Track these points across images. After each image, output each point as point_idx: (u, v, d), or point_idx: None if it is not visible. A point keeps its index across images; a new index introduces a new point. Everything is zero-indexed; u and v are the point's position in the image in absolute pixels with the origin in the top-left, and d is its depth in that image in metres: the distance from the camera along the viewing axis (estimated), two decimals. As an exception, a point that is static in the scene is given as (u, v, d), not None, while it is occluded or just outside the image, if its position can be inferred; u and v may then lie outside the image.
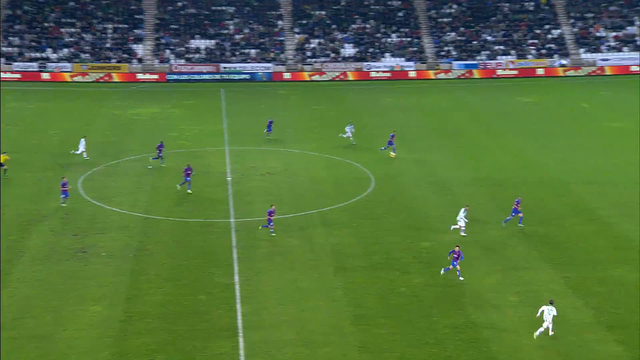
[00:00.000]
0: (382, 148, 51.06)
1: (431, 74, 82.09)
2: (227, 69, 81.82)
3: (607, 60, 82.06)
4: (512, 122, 60.85)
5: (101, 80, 78.89)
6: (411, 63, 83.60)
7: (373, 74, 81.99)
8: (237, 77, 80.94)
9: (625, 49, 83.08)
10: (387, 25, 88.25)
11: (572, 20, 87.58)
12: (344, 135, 54.37)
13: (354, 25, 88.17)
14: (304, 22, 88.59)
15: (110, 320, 28.73)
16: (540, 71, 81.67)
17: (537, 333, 27.24)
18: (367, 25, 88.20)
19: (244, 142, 55.19)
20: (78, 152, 49.32)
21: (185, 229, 38.33)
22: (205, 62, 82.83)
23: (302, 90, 76.34)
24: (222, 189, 44.03)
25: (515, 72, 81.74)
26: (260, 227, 37.33)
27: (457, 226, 37.14)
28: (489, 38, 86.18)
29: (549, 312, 27.16)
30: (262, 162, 49.99)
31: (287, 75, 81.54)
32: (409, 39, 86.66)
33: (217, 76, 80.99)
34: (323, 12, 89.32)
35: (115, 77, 79.43)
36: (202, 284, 31.99)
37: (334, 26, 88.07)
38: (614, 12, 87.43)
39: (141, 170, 47.88)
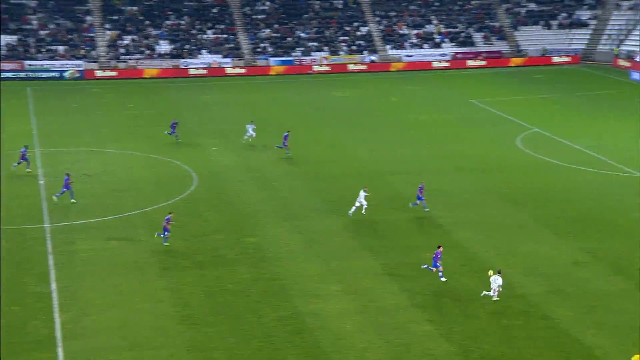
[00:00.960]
0: (278, 146, 50.03)
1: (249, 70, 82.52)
2: (33, 67, 77.09)
3: (411, 56, 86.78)
4: (328, 116, 62.60)
5: None
6: (228, 60, 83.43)
7: (191, 71, 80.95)
8: (44, 75, 76.47)
9: (425, 45, 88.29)
10: (202, 22, 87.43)
11: (377, 18, 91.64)
12: (246, 135, 52.66)
13: (167, 22, 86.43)
14: (115, 17, 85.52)
15: None
16: (351, 67, 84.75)
17: (483, 293, 29.63)
18: (182, 22, 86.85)
19: (56, 144, 52.32)
20: None
21: (-6, 237, 35.67)
22: (8, 59, 77.44)
23: (117, 88, 73.68)
24: (34, 194, 41.44)
25: (328, 67, 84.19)
26: (155, 235, 35.34)
27: (363, 206, 38.17)
28: (302, 35, 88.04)
29: (494, 281, 29.17)
30: (78, 163, 47.68)
31: (99, 73, 78.30)
32: (224, 36, 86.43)
33: (22, 74, 76.07)
34: (135, 8, 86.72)
35: None
36: (15, 294, 29.98)
37: (147, 22, 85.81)
38: (414, 11, 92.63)
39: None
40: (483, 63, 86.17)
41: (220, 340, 27.16)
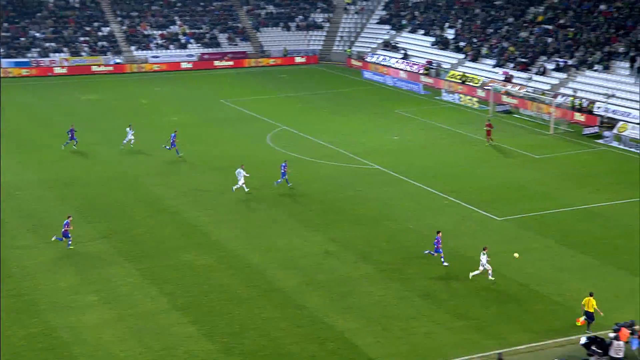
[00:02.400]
0: (167, 147, 48.97)
1: (-22, 72, 75.65)
2: None
3: (157, 57, 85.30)
4: (77, 121, 59.15)
5: None
6: (-48, 61, 75.78)
7: None
8: None
9: (171, 46, 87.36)
10: None
11: (119, 19, 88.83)
12: (125, 141, 50.31)
13: None
14: None
15: None
16: (96, 68, 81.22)
17: (472, 274, 31.48)
18: None
19: None
20: None
21: None
22: None
23: None
24: None
25: (70, 69, 79.89)
26: (53, 239, 33.72)
27: (238, 185, 41.35)
28: (37, 35, 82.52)
29: (482, 258, 31.43)
30: None
31: None
32: (-55, 34, 78.27)
33: None
34: None
35: None
36: None
37: None
38: (157, 11, 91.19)
39: None
40: (230, 63, 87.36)
41: (-39, 369, 24.66)
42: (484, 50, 76.25)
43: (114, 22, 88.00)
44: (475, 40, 78.87)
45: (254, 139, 55.19)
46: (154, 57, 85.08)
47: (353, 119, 62.04)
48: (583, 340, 25.38)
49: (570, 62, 67.41)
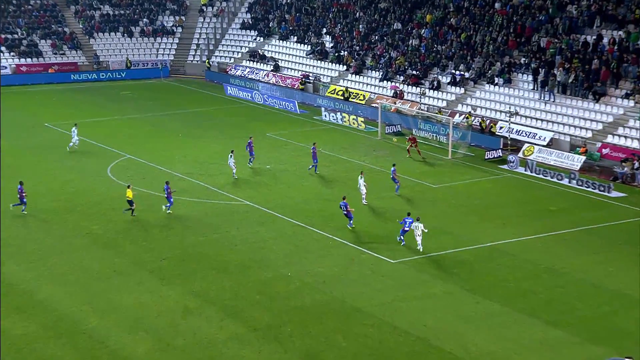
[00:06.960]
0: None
1: None
2: None
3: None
4: None
5: None
6: None
7: None
8: None
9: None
10: None
11: None
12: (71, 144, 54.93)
13: None
14: None
15: None
16: None
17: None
18: None
19: None
20: None
21: None
22: None
23: None
24: None
25: None
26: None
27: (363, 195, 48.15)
28: None
29: (416, 227, 39.40)
30: None
31: None
32: None
33: None
34: None
35: None
36: None
37: None
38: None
39: None
40: (56, 77, 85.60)
41: None
42: (369, 61, 78.62)
43: None
44: (358, 48, 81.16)
45: (91, 172, 54.07)
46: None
47: (214, 145, 62.07)
48: None
49: (467, 74, 70.64)
